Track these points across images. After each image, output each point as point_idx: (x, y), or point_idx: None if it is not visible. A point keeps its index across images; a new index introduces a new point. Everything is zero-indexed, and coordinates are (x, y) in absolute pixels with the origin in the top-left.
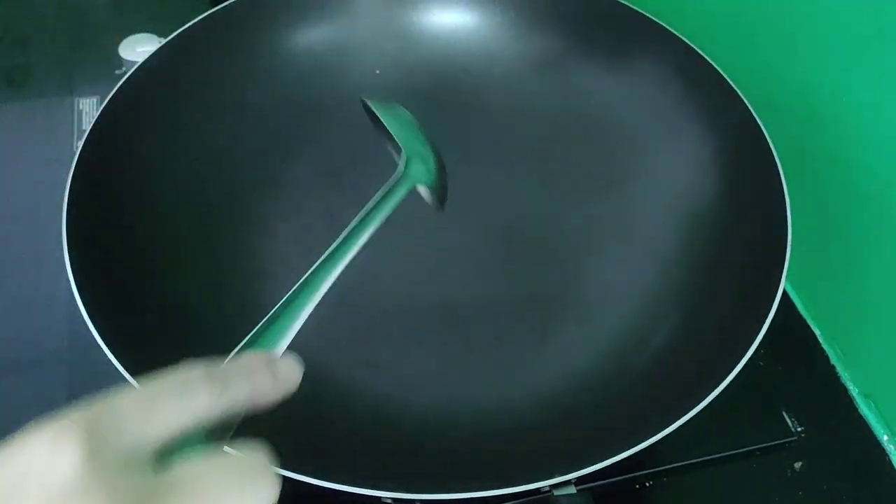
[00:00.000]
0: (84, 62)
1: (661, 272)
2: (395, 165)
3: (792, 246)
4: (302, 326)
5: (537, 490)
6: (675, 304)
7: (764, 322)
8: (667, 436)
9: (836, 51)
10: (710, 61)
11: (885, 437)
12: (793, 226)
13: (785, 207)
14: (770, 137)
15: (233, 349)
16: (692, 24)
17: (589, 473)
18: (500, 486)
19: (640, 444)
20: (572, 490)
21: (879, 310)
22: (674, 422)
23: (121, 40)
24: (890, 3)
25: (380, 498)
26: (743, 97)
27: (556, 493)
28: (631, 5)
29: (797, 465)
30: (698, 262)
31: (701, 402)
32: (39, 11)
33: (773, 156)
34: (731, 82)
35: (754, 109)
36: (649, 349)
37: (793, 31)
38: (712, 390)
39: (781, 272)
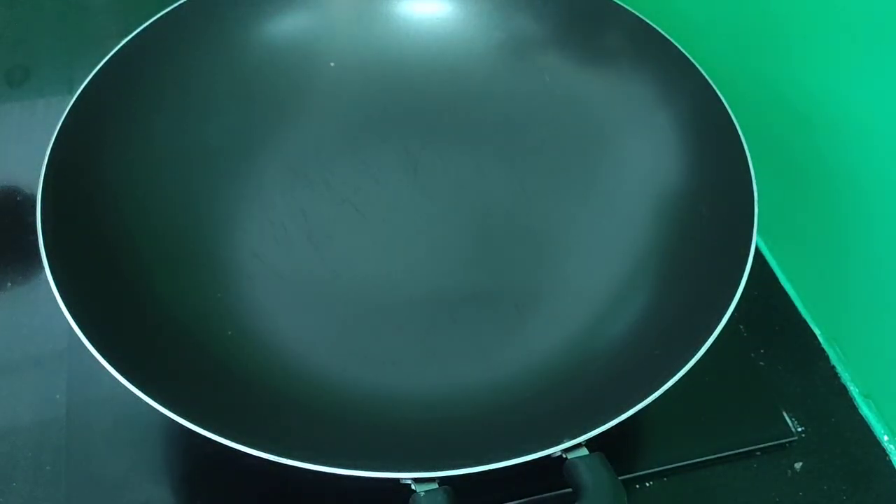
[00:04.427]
0: (84, 62)
1: (636, 248)
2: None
3: (793, 248)
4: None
5: (549, 457)
6: (653, 277)
7: (740, 281)
8: (666, 435)
9: (814, 45)
10: (678, 45)
11: (886, 437)
12: (793, 228)
13: (750, 176)
14: (753, 133)
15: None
16: (667, 14)
17: None
18: (513, 455)
19: (641, 401)
20: (585, 452)
21: (880, 310)
22: (669, 380)
23: (121, 40)
24: None
25: (398, 480)
26: (711, 80)
27: (569, 457)
28: None
29: (797, 465)
30: (671, 240)
31: (691, 359)
32: (39, 11)
33: (735, 129)
34: (691, 58)
35: (743, 119)
36: (626, 324)
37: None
38: (699, 349)
39: (751, 233)
